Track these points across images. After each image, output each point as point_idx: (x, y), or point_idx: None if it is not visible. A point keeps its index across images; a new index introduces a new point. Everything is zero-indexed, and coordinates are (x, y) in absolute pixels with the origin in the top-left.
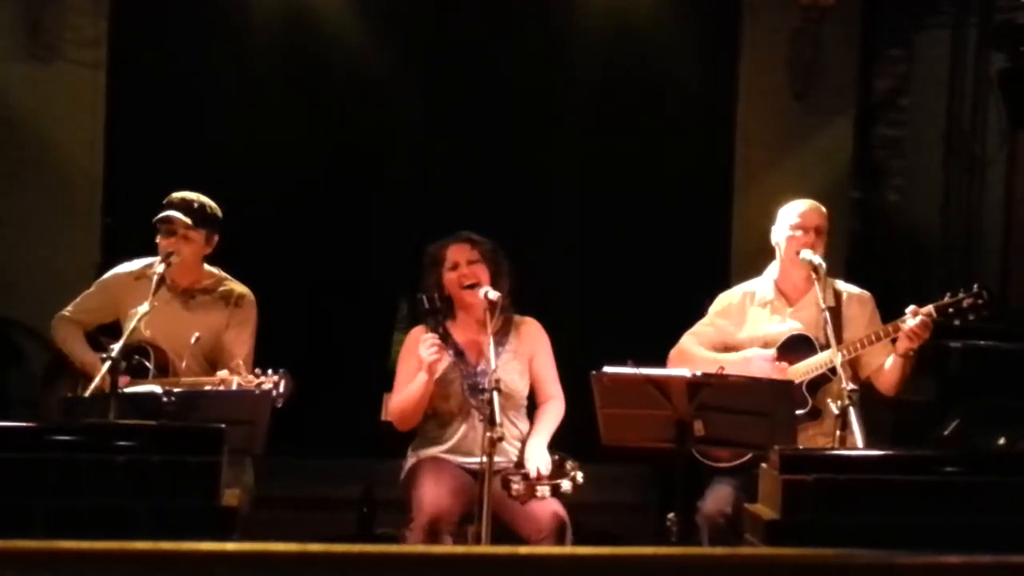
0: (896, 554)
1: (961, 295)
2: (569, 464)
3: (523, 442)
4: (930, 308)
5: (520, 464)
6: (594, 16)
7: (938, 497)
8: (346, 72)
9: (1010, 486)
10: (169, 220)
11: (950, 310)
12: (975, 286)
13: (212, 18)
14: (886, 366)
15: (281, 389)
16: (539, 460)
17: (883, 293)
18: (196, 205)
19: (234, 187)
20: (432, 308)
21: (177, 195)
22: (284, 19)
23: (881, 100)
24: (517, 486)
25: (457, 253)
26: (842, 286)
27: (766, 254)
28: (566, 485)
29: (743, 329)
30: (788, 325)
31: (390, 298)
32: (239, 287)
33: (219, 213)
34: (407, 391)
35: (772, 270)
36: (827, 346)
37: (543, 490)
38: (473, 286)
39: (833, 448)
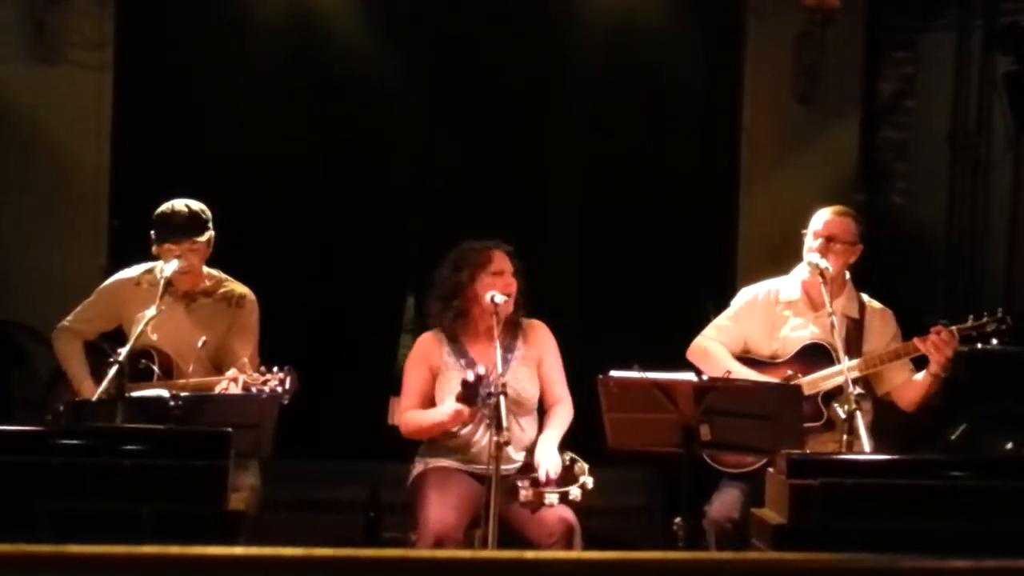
0: (903, 558)
1: (984, 320)
2: (578, 467)
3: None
4: (953, 329)
5: (528, 467)
6: (598, 20)
7: (945, 501)
8: (350, 74)
9: (1017, 490)
10: (177, 241)
11: (973, 334)
12: (999, 311)
13: (217, 21)
14: (916, 378)
15: (287, 386)
16: (549, 462)
17: (888, 296)
18: (190, 214)
19: (239, 189)
20: (476, 384)
21: (169, 209)
22: (288, 22)
23: (886, 103)
24: (525, 492)
25: (502, 261)
26: (867, 299)
27: (772, 257)
28: (575, 492)
29: (766, 330)
30: (809, 330)
31: (395, 299)
32: (239, 288)
33: (209, 212)
34: (423, 416)
35: (801, 271)
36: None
37: (551, 498)
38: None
39: (840, 452)
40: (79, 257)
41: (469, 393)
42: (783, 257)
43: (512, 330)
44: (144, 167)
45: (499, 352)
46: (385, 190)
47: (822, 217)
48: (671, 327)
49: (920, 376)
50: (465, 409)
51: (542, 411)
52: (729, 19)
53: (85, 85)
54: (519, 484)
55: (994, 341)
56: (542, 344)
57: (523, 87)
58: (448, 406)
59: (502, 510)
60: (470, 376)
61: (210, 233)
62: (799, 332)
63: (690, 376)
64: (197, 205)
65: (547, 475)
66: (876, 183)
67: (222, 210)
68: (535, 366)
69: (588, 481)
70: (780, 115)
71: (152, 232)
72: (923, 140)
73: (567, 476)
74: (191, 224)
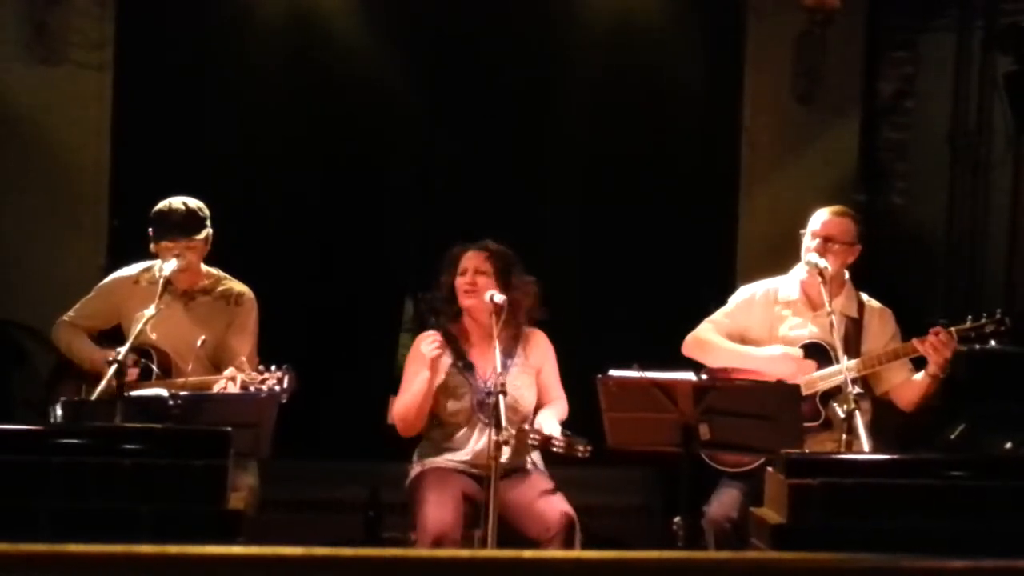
0: (902, 558)
1: (983, 321)
2: (578, 441)
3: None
4: (952, 330)
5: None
6: (598, 20)
7: (944, 501)
8: (350, 74)
9: (1016, 490)
10: (175, 239)
11: (971, 335)
12: (997, 312)
13: (217, 21)
14: (915, 378)
15: (285, 385)
16: (551, 428)
17: (888, 296)
18: (187, 212)
19: (239, 188)
20: (433, 308)
21: (167, 207)
22: (288, 22)
23: (886, 103)
24: (534, 437)
25: (469, 260)
26: (866, 298)
27: (772, 257)
28: (581, 448)
29: (764, 328)
30: (808, 330)
31: (395, 299)
32: (238, 286)
33: (207, 210)
34: (409, 392)
35: (799, 271)
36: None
37: (559, 443)
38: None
39: (839, 452)
40: (79, 257)
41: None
42: (783, 257)
43: (513, 336)
44: (144, 167)
45: (498, 351)
46: (385, 190)
47: (820, 217)
48: (671, 327)
49: (919, 376)
50: (435, 337)
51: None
52: (729, 19)
53: (85, 85)
54: (526, 427)
55: (992, 342)
56: (542, 353)
57: (523, 87)
58: (423, 345)
59: (501, 508)
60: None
61: (208, 231)
62: (798, 331)
63: (689, 376)
64: (195, 203)
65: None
66: (876, 183)
67: (222, 210)
68: (534, 375)
69: (588, 447)
70: (780, 115)
71: (150, 230)
72: (923, 140)
73: (567, 445)
74: (188, 222)
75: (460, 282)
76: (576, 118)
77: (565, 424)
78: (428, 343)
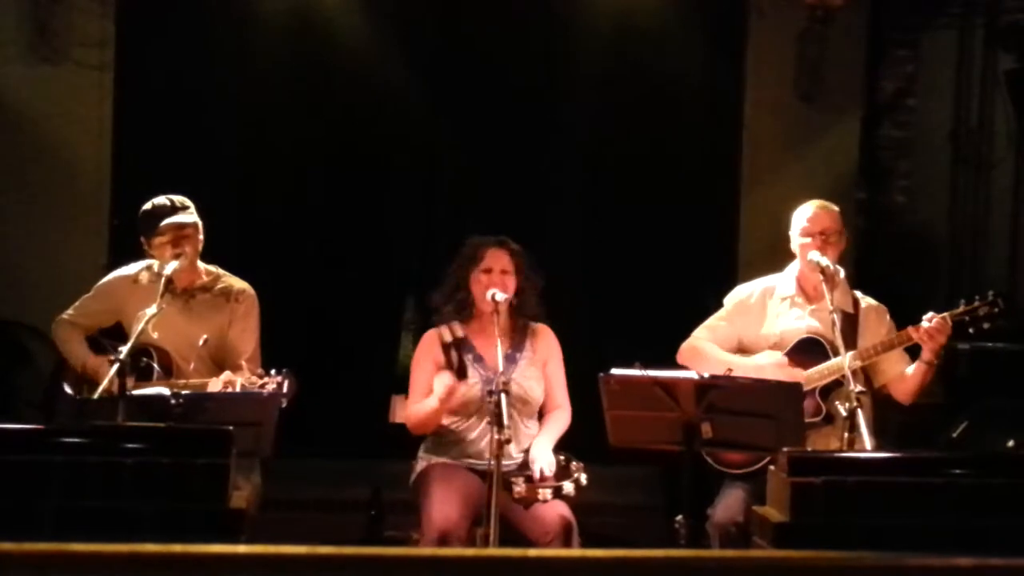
0: (905, 556)
1: (976, 303)
2: (574, 465)
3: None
4: (945, 315)
5: (524, 466)
6: (600, 18)
7: (947, 499)
8: (351, 72)
9: (1018, 488)
10: (183, 226)
11: (966, 318)
12: (990, 293)
13: (218, 20)
14: (908, 371)
15: (284, 389)
16: (544, 461)
17: (890, 294)
18: (172, 205)
19: (240, 187)
20: (444, 301)
21: (150, 205)
22: (290, 20)
23: (888, 101)
24: (519, 488)
25: (495, 259)
26: (860, 296)
27: (773, 255)
28: (568, 487)
29: (761, 326)
30: (806, 323)
31: (397, 298)
32: (237, 282)
33: (192, 204)
34: (420, 407)
35: (794, 268)
36: (838, 350)
37: (544, 492)
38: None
39: (841, 450)
40: (80, 256)
41: (451, 359)
42: (785, 255)
43: (520, 331)
44: (145, 166)
45: (500, 350)
46: (387, 189)
47: (806, 213)
48: (673, 326)
49: (913, 368)
50: (455, 381)
51: (541, 415)
52: (731, 17)
53: (86, 84)
54: (513, 480)
55: (986, 324)
56: (548, 348)
57: (525, 86)
58: (439, 384)
59: (502, 508)
60: (447, 337)
61: (196, 218)
62: (796, 324)
63: (691, 374)
64: (179, 198)
65: (541, 473)
66: (878, 181)
67: (223, 209)
68: (542, 368)
69: (582, 477)
70: (782, 113)
71: (141, 238)
72: (925, 138)
73: (561, 474)
74: (175, 212)
75: (483, 279)
76: (578, 117)
77: (567, 432)
78: (443, 383)
